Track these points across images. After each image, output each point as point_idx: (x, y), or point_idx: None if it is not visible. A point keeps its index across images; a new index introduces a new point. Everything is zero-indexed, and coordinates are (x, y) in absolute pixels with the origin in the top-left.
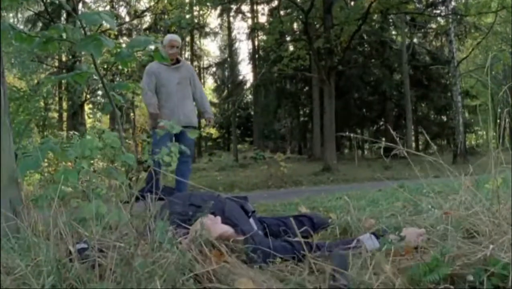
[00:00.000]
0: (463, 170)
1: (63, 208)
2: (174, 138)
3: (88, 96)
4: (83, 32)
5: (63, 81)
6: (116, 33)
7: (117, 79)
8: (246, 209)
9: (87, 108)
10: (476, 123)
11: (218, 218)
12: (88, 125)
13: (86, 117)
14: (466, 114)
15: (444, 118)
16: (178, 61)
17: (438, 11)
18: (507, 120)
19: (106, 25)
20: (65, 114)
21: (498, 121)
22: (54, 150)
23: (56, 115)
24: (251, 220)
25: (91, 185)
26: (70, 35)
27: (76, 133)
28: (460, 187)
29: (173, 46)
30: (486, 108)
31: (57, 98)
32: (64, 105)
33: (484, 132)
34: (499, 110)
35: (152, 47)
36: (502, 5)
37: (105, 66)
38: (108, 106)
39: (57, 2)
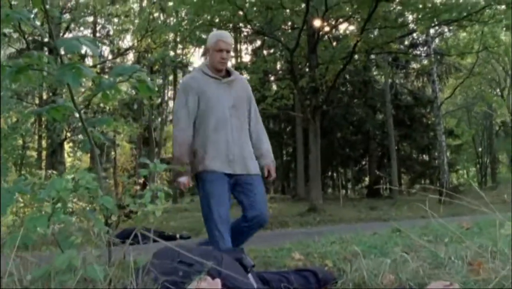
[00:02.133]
0: (450, 210)
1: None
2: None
3: (68, 134)
4: (60, 60)
5: (43, 118)
6: (98, 70)
7: (99, 117)
8: (244, 264)
9: (67, 146)
10: (458, 162)
11: (218, 282)
12: (67, 164)
13: (66, 155)
14: (448, 153)
15: (427, 158)
16: (228, 73)
17: (419, 52)
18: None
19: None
20: (44, 153)
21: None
22: (24, 192)
23: (34, 153)
24: (250, 276)
25: (64, 233)
26: (46, 64)
27: (54, 172)
28: (458, 229)
29: (223, 50)
30: (467, 147)
31: (36, 136)
32: (44, 143)
33: (465, 171)
34: (479, 149)
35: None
36: (484, 45)
37: (87, 103)
38: (86, 144)
39: (39, 38)
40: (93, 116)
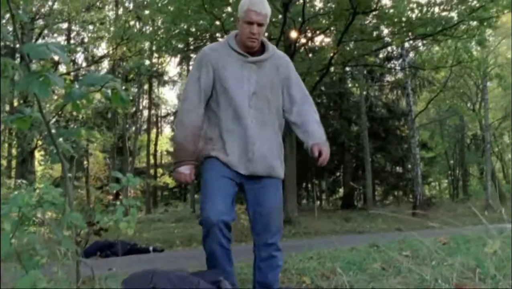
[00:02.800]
0: (424, 221)
1: None
2: (236, 191)
3: (39, 142)
4: (27, 68)
5: (13, 126)
6: (71, 78)
7: (71, 126)
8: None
9: (38, 154)
10: (430, 174)
11: None
12: (38, 173)
13: (36, 164)
14: (422, 166)
15: (401, 170)
16: (263, 48)
17: (393, 65)
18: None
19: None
20: (14, 161)
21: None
22: None
23: (4, 162)
24: None
25: (28, 251)
26: (11, 71)
27: (24, 181)
28: (435, 244)
29: (253, 23)
30: (440, 160)
31: (6, 145)
32: (14, 151)
33: (438, 183)
34: (451, 162)
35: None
36: (458, 60)
37: (58, 113)
38: (55, 157)
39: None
40: (66, 125)
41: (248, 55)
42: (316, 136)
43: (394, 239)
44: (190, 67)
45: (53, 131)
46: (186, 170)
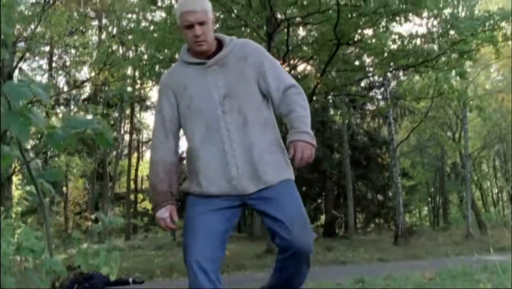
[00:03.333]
0: (406, 251)
1: None
2: (232, 224)
3: (18, 167)
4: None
5: None
6: (52, 102)
7: (50, 150)
8: None
9: (15, 179)
10: (411, 202)
11: None
12: (15, 198)
13: (14, 188)
14: (403, 194)
15: (382, 198)
16: (219, 46)
17: (375, 94)
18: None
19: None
20: None
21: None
22: None
23: None
24: None
25: None
26: None
27: (1, 208)
28: (420, 280)
29: (193, 24)
30: (420, 188)
31: None
32: None
33: (418, 211)
34: (432, 190)
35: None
36: (439, 91)
37: (38, 137)
38: (35, 198)
39: None
40: (44, 152)
41: (205, 60)
42: (293, 130)
43: (379, 272)
44: None
45: (33, 171)
46: (163, 213)
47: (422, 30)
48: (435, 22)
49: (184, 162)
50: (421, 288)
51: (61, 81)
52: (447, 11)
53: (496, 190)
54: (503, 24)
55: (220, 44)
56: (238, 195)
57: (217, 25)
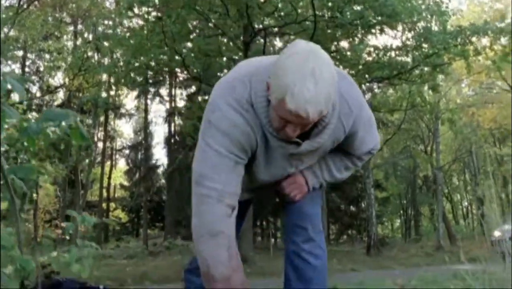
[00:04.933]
0: (378, 261)
1: None
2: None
3: None
4: None
5: None
6: (24, 107)
7: (21, 156)
8: None
9: None
10: (384, 214)
11: None
12: None
13: None
14: (376, 206)
15: (355, 209)
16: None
17: None
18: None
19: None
20: None
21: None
22: None
23: None
24: None
25: None
26: None
27: None
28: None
29: (290, 122)
30: (392, 200)
31: None
32: None
33: (391, 223)
34: (404, 202)
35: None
36: (412, 104)
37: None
38: (6, 195)
39: None
40: (16, 155)
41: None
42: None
43: (351, 281)
44: (148, 101)
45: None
46: None
47: (397, 43)
48: (410, 35)
49: None
50: None
51: (34, 86)
52: (420, 25)
53: (466, 203)
54: (474, 39)
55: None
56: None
57: (194, 34)
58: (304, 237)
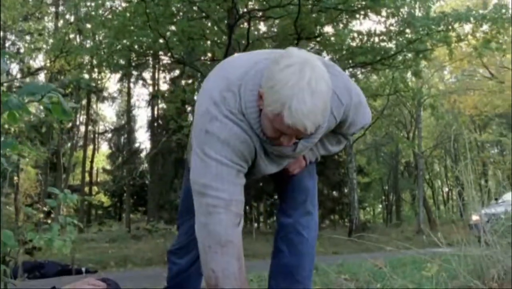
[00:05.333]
0: (359, 245)
1: None
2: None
3: None
4: None
5: None
6: (4, 89)
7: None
8: None
9: None
10: (366, 199)
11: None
12: None
13: None
14: (358, 191)
15: (337, 194)
16: None
17: None
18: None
19: None
20: None
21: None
22: None
23: None
24: None
25: None
26: None
27: None
28: (372, 268)
29: (285, 134)
30: (375, 185)
31: None
32: None
33: (372, 208)
34: (386, 187)
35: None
36: (395, 89)
37: None
38: None
39: None
40: None
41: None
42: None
43: (333, 262)
44: (131, 84)
45: None
46: None
47: (381, 28)
48: (393, 21)
49: None
50: (373, 273)
51: (14, 68)
52: (404, 10)
53: (447, 189)
54: (456, 25)
55: None
56: None
57: (178, 17)
58: (301, 210)
